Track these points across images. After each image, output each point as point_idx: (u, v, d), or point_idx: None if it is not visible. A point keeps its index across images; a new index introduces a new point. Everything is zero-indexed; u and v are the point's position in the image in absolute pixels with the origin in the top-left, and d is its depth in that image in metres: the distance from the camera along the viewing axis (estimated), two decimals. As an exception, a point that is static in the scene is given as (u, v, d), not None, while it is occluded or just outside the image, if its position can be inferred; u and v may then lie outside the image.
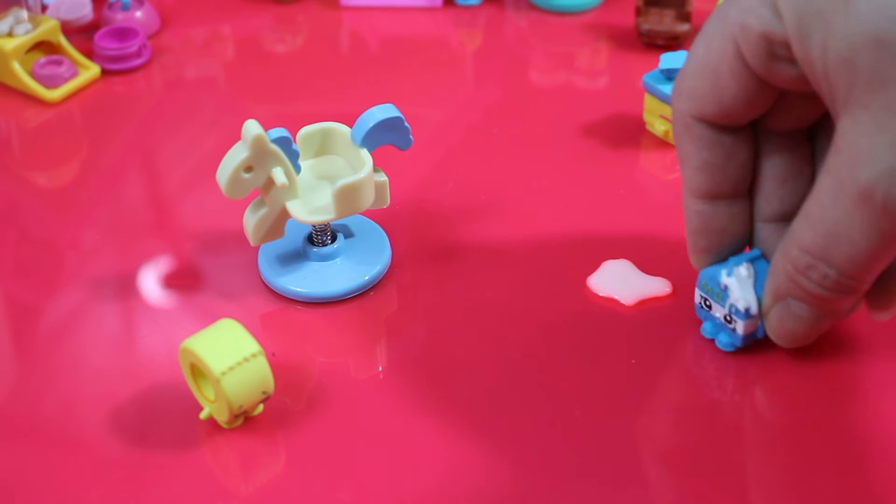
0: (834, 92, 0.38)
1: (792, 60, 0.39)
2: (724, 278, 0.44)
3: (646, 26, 0.65)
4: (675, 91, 0.43)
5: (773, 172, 0.44)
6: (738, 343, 0.45)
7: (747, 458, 0.42)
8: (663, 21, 0.64)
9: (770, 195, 0.44)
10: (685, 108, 0.43)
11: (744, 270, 0.44)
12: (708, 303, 0.45)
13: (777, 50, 0.39)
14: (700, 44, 0.42)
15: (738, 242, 0.45)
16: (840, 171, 0.38)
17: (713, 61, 0.41)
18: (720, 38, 0.41)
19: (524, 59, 0.66)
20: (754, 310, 0.44)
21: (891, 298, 0.43)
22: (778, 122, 0.44)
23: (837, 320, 0.44)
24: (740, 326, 0.44)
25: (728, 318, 0.45)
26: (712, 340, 0.46)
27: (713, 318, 0.46)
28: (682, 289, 0.48)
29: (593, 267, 0.50)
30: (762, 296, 0.44)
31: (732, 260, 0.44)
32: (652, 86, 0.56)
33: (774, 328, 0.44)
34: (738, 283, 0.44)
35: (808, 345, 0.44)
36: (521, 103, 0.62)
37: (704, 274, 0.45)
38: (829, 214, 0.39)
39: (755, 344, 0.45)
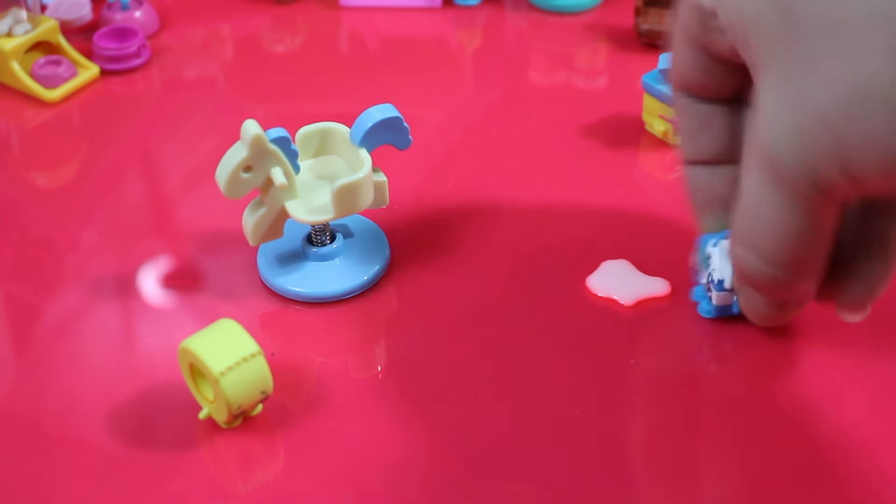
0: (751, 57, 0.38)
1: (724, 30, 0.40)
2: (709, 247, 0.45)
3: (645, 26, 0.65)
4: None
5: None
6: (712, 313, 0.46)
7: (749, 459, 0.42)
8: (663, 21, 0.64)
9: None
10: (670, 78, 0.45)
11: (727, 244, 0.44)
12: (698, 267, 0.46)
13: (709, 21, 0.40)
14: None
15: (729, 205, 0.45)
16: (751, 140, 0.38)
17: (673, 33, 0.43)
18: (679, 13, 0.43)
19: (523, 59, 0.66)
20: (728, 284, 0.44)
21: (860, 298, 0.42)
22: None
23: (798, 311, 0.43)
24: (714, 297, 0.45)
25: (708, 286, 0.45)
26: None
27: (701, 284, 0.46)
28: (682, 289, 0.48)
29: (592, 267, 0.50)
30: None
31: (726, 233, 0.45)
32: (651, 86, 0.56)
33: (743, 307, 0.44)
34: (720, 255, 0.44)
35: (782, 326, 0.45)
36: (520, 103, 0.62)
37: (700, 239, 0.46)
38: (744, 189, 0.39)
39: (760, 343, 0.45)
